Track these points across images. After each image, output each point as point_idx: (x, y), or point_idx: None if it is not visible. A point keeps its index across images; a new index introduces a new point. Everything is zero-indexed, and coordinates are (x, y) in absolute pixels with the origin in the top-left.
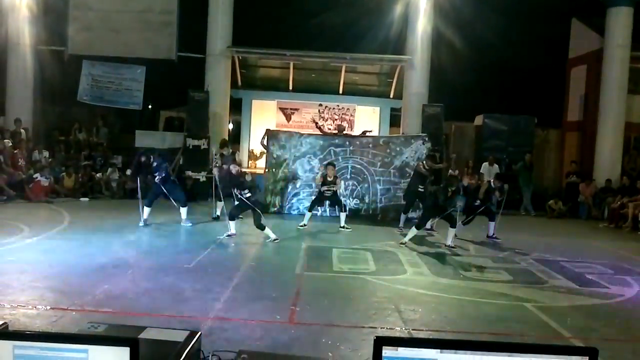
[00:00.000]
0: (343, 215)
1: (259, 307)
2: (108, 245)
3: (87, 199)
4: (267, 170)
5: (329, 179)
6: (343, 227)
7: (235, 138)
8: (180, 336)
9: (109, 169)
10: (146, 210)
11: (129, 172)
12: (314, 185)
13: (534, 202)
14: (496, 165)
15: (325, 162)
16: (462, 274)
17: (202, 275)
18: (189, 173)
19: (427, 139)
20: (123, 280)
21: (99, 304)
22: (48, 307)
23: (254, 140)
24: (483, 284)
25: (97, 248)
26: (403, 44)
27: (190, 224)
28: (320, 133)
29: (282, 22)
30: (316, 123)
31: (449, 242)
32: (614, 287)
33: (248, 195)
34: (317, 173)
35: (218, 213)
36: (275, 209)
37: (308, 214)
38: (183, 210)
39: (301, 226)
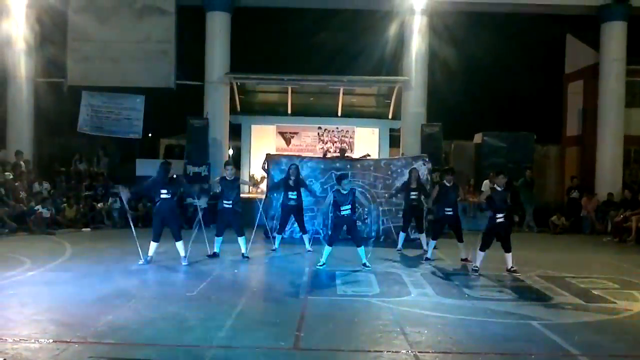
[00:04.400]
0: (362, 251)
1: (263, 334)
2: (110, 275)
3: (88, 229)
4: (268, 195)
5: (342, 191)
6: (364, 264)
7: (235, 163)
8: None
9: (110, 199)
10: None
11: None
12: (315, 209)
13: (537, 219)
14: None
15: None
16: (467, 293)
17: (205, 303)
18: (191, 200)
19: (427, 159)
20: (126, 310)
21: (102, 335)
22: (50, 341)
23: (254, 165)
24: (488, 303)
25: (99, 279)
26: (399, 64)
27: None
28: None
29: (279, 47)
30: (324, 154)
31: (464, 255)
32: (620, 302)
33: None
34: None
35: (217, 250)
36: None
37: (328, 249)
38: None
39: (320, 265)
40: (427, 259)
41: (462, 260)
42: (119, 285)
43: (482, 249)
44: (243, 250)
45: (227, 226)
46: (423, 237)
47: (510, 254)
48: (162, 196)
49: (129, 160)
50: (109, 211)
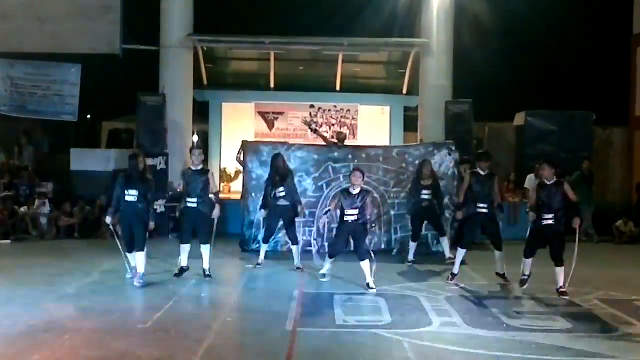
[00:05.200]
0: (366, 266)
1: None
2: (38, 302)
3: (8, 241)
4: (245, 195)
5: (352, 191)
6: (368, 284)
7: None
8: None
9: (37, 201)
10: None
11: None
12: (307, 213)
13: (597, 224)
14: None
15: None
16: (505, 323)
17: (163, 338)
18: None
19: (454, 147)
20: (58, 348)
21: None
22: None
23: (226, 156)
24: (534, 336)
25: (22, 307)
26: (416, 23)
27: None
28: (323, 142)
29: (258, 1)
30: (310, 125)
31: (500, 269)
32: None
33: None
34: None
35: (184, 264)
36: (258, 245)
37: (328, 262)
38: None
39: (322, 277)
40: (453, 275)
41: (497, 275)
42: (50, 315)
43: (526, 256)
44: (206, 265)
45: (194, 230)
46: (445, 242)
47: (563, 268)
48: (127, 198)
49: (61, 150)
50: (35, 217)
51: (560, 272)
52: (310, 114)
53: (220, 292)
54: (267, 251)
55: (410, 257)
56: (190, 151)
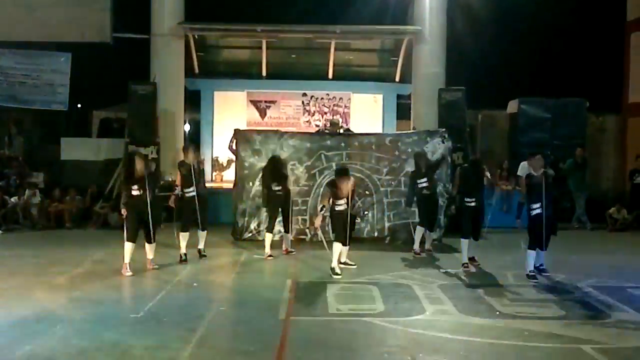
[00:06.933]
0: (338, 249)
1: None
2: (29, 292)
3: None
4: (237, 184)
5: (339, 183)
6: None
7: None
8: None
9: (27, 191)
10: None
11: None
12: (300, 201)
13: (590, 211)
14: None
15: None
16: (498, 310)
17: (155, 327)
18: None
19: (447, 135)
20: (50, 338)
21: None
22: None
23: (218, 145)
24: (526, 323)
25: (14, 297)
26: (408, 10)
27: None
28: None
29: None
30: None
31: (471, 254)
32: None
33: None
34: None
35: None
36: (251, 234)
37: (336, 253)
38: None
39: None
40: (464, 265)
41: (469, 259)
42: (41, 305)
43: (531, 247)
44: (201, 245)
45: (194, 219)
46: (429, 235)
47: (544, 252)
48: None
49: (51, 139)
50: (25, 208)
51: (541, 255)
52: (303, 102)
53: (213, 281)
54: (262, 240)
55: (427, 245)
56: (184, 151)
